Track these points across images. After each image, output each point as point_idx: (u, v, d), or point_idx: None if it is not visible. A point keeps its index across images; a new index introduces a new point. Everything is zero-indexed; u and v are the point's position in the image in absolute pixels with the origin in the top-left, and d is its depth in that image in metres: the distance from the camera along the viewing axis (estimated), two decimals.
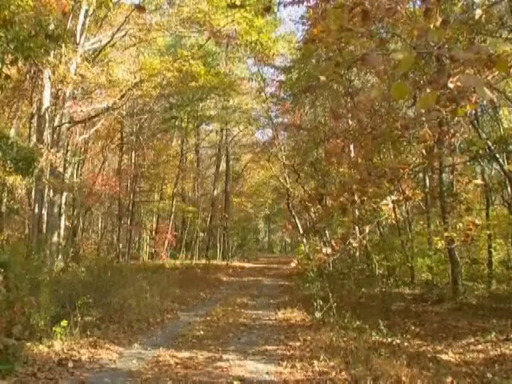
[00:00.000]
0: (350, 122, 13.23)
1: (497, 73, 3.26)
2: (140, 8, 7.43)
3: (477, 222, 5.13)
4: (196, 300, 11.94)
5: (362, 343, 6.29)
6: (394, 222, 13.01)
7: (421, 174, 11.83)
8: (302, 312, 9.49)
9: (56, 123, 12.83)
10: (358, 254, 15.25)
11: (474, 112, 9.98)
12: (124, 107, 18.36)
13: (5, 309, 5.43)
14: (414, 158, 9.35)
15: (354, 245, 5.17)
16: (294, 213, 21.04)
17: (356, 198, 4.76)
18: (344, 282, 12.75)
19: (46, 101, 12.60)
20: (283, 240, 53.56)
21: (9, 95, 15.24)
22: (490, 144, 9.42)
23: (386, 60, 3.04)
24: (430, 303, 9.83)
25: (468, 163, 11.85)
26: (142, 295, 9.41)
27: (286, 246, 52.38)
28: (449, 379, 4.75)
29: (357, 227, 9.65)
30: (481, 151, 9.71)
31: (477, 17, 4.77)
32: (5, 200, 14.67)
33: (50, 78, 12.17)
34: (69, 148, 15.29)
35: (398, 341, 6.57)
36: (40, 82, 13.70)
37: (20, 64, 8.78)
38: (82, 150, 19.88)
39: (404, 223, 13.58)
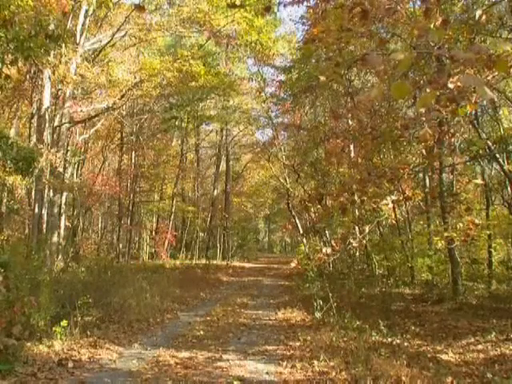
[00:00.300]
0: (350, 122, 13.24)
1: (497, 73, 3.26)
2: (140, 8, 7.42)
3: (477, 221, 5.15)
4: (196, 300, 11.94)
5: (362, 343, 6.28)
6: (394, 221, 13.05)
7: (421, 174, 11.83)
8: (302, 312, 9.48)
9: (56, 123, 12.84)
10: (357, 253, 15.26)
11: (474, 112, 9.97)
12: (124, 107, 18.37)
13: (5, 309, 5.43)
14: (414, 158, 9.39)
15: (354, 245, 5.19)
16: (294, 213, 21.03)
17: (356, 197, 4.77)
18: (344, 281, 12.75)
19: (46, 101, 12.61)
20: (283, 240, 53.57)
21: (9, 95, 15.26)
22: (490, 144, 9.41)
23: (386, 60, 3.04)
24: (430, 303, 9.82)
25: (468, 163, 11.87)
26: (142, 295, 9.42)
27: (286, 245, 52.38)
28: (449, 379, 4.75)
29: (357, 227, 9.68)
30: (481, 151, 9.71)
31: (477, 17, 4.77)
32: (5, 200, 14.68)
33: (50, 77, 12.18)
34: (69, 148, 15.28)
35: (398, 341, 6.57)
36: (40, 82, 13.71)
37: (20, 64, 8.78)
38: (82, 150, 19.86)
39: (404, 223, 13.59)
